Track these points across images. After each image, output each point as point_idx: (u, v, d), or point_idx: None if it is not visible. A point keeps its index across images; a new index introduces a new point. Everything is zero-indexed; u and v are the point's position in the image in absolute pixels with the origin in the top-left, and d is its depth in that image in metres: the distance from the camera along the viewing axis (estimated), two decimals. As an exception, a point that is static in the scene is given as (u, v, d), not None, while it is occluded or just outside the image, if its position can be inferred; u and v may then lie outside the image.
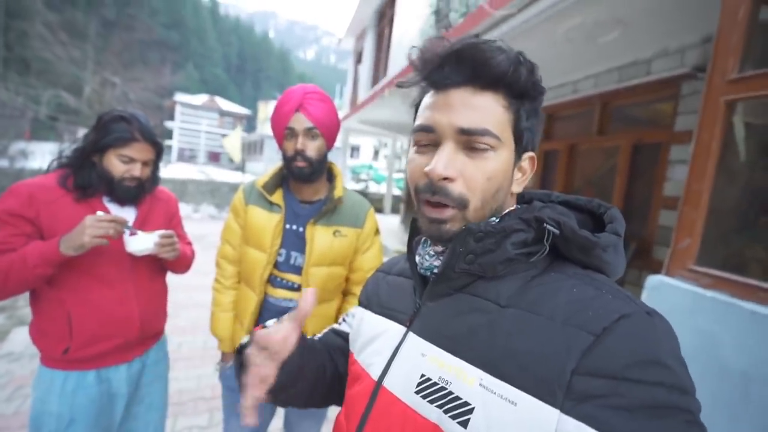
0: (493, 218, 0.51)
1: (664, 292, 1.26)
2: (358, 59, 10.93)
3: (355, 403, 0.55)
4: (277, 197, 1.18)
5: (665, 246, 2.67)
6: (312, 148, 1.11)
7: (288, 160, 1.12)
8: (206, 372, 2.65)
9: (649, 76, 2.90)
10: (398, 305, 0.59)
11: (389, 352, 0.54)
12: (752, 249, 1.29)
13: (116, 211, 1.16)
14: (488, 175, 0.47)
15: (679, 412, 0.35)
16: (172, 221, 1.36)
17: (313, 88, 1.14)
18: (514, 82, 0.46)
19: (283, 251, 1.17)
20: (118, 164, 1.11)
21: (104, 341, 1.13)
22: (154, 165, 1.23)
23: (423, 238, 0.58)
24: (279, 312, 1.19)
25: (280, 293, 1.18)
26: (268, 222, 1.16)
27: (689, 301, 1.18)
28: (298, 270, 1.17)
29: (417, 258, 0.56)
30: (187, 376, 2.54)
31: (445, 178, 0.47)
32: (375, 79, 9.09)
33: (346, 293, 1.29)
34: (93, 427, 1.14)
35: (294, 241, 1.17)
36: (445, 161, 0.46)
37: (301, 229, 1.17)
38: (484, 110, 0.46)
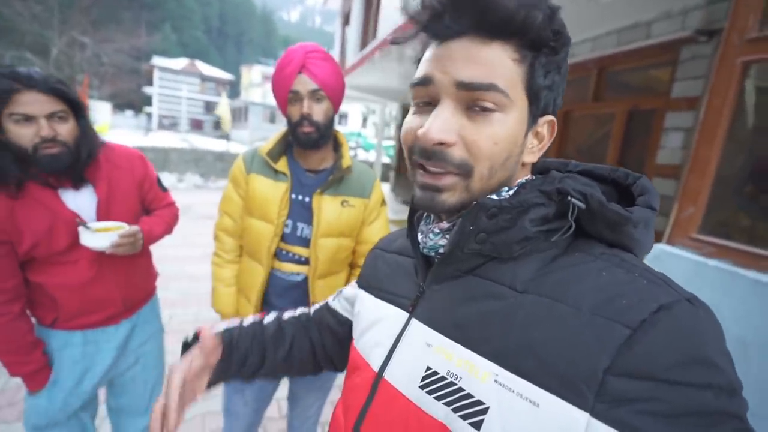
0: (505, 189, 0.45)
1: (665, 261, 1.25)
2: (346, 21, 10.40)
3: (353, 396, 0.51)
4: (282, 165, 1.11)
5: (658, 215, 2.70)
6: (318, 111, 1.03)
7: (293, 126, 1.05)
8: (198, 343, 2.64)
9: (648, 39, 2.81)
10: (399, 288, 0.53)
11: (390, 340, 0.49)
12: (757, 217, 1.28)
13: (72, 198, 1.04)
14: (495, 139, 0.40)
15: (728, 418, 0.31)
16: (144, 186, 1.21)
17: (315, 46, 1.05)
18: (526, 28, 0.38)
19: (289, 222, 1.11)
20: (17, 129, 0.91)
21: (89, 315, 1.12)
22: (78, 121, 1.01)
23: (426, 213, 0.51)
24: (286, 286, 1.14)
25: (287, 267, 1.13)
26: (274, 191, 1.09)
27: (690, 270, 1.17)
28: (305, 242, 1.12)
29: (419, 236, 0.50)
30: (179, 350, 2.53)
31: (442, 143, 0.40)
32: (364, 42, 8.70)
33: (353, 265, 1.25)
34: (76, 386, 1.13)
35: (300, 211, 1.11)
36: (441, 123, 0.40)
37: (307, 199, 1.11)
38: (490, 63, 0.39)
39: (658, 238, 1.39)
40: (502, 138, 0.41)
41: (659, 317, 0.33)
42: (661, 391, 0.31)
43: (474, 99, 0.40)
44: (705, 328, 0.34)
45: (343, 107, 22.18)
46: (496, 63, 0.39)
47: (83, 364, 1.13)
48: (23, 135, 0.92)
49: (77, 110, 1.01)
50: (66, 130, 0.97)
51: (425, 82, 0.42)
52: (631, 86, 3.19)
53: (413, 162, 0.44)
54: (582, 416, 0.32)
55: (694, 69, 2.52)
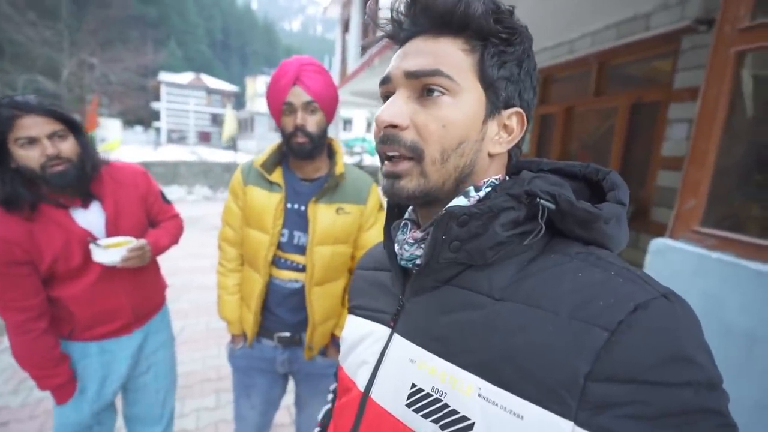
0: (473, 189, 0.44)
1: (668, 255, 1.23)
2: (345, 28, 10.49)
3: (342, 417, 0.51)
4: (277, 176, 1.14)
5: (663, 207, 2.66)
6: (312, 122, 1.06)
7: (287, 137, 1.08)
8: (210, 354, 2.67)
9: (648, 31, 2.78)
10: (378, 304, 0.53)
11: (374, 358, 0.49)
12: (758, 208, 1.26)
13: (82, 216, 1.10)
14: (443, 122, 0.42)
15: (710, 415, 0.31)
16: (148, 200, 1.27)
17: (309, 59, 1.08)
18: (468, 20, 0.41)
19: (285, 231, 1.14)
20: (23, 153, 0.98)
21: (103, 326, 1.18)
22: (78, 139, 1.07)
23: (402, 223, 0.51)
24: (285, 294, 1.17)
25: (286, 274, 1.16)
26: (268, 202, 1.12)
27: (694, 263, 1.16)
28: (302, 250, 1.14)
29: (396, 247, 0.50)
30: (192, 359, 2.57)
31: (394, 126, 0.43)
32: (364, 49, 8.78)
33: (352, 272, 1.27)
34: (97, 394, 1.20)
35: (296, 220, 1.13)
36: (392, 107, 0.43)
37: (302, 208, 1.13)
38: (435, 53, 0.42)
39: (664, 232, 1.38)
40: (451, 121, 0.42)
41: (636, 317, 0.32)
42: (641, 394, 0.31)
43: (423, 85, 0.43)
44: (682, 324, 0.33)
45: (348, 113, 22.31)
46: (441, 53, 0.42)
47: (101, 373, 1.20)
48: (30, 157, 0.98)
49: (75, 129, 1.08)
50: (67, 147, 1.04)
51: (386, 80, 0.46)
52: (633, 79, 3.16)
53: (379, 153, 0.46)
54: (567, 425, 0.32)
55: (695, 59, 2.49)
